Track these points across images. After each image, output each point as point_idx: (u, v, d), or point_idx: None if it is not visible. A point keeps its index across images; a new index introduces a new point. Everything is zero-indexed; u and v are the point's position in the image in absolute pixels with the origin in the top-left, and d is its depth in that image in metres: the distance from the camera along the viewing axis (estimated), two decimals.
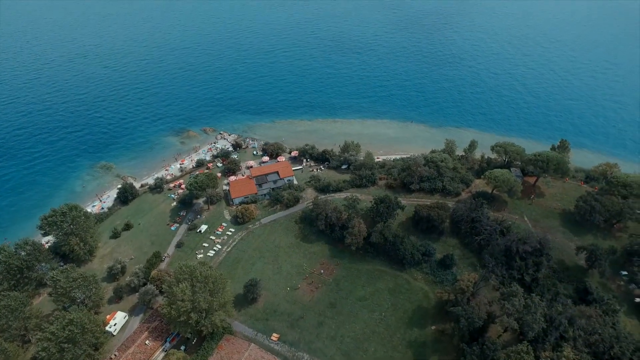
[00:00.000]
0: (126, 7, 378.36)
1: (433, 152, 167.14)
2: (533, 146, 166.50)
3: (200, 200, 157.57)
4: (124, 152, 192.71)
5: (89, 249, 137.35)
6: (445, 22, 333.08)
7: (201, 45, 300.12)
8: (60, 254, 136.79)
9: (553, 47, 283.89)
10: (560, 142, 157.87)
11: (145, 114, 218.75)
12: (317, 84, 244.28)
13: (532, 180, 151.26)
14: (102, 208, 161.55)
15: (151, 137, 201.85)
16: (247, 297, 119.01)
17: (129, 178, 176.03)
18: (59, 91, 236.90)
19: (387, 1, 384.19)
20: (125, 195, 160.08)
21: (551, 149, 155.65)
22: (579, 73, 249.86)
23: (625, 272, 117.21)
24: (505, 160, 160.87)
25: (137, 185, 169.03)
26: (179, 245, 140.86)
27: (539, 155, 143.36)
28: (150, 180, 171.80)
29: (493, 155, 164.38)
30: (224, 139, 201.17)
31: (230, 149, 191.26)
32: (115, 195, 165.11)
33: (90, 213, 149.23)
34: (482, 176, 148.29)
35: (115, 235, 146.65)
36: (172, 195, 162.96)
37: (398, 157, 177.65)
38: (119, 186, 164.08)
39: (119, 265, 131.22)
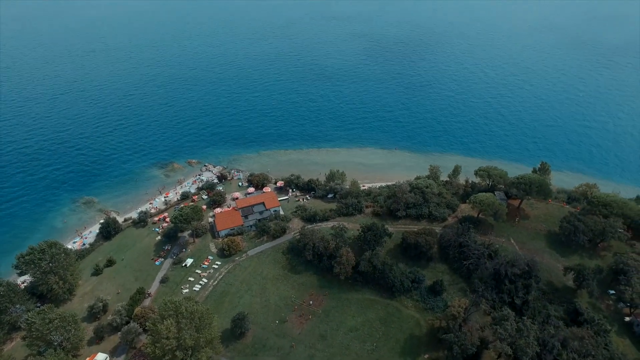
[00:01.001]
0: (110, 44, 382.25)
1: (418, 178, 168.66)
2: (515, 169, 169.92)
3: (186, 234, 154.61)
4: (107, 186, 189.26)
5: (69, 288, 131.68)
6: (423, 51, 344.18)
7: (184, 79, 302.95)
8: (38, 294, 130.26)
9: (525, 75, 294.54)
10: (541, 165, 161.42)
11: (129, 148, 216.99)
12: (301, 114, 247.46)
13: (516, 202, 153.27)
14: (84, 244, 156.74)
15: (135, 170, 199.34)
16: (235, 331, 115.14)
17: (112, 212, 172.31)
18: (41, 128, 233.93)
19: (364, 31, 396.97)
20: (108, 230, 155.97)
21: (533, 172, 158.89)
22: (551, 99, 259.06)
23: (612, 291, 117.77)
24: (489, 184, 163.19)
25: (120, 219, 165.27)
26: (163, 280, 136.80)
27: (521, 178, 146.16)
28: (134, 214, 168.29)
29: (477, 180, 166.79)
30: (209, 170, 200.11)
31: (216, 180, 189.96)
32: (97, 231, 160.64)
33: (71, 250, 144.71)
34: (467, 201, 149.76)
35: (97, 272, 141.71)
36: (157, 229, 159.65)
37: (383, 184, 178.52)
38: (102, 221, 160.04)
39: (100, 304, 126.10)
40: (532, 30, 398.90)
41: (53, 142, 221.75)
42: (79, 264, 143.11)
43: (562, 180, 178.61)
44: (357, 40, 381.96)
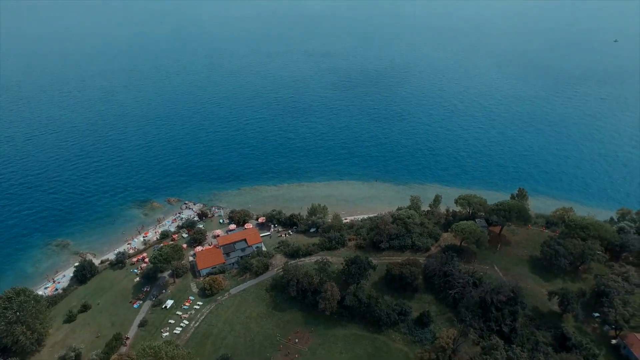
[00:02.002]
0: (88, 84, 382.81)
1: (399, 209, 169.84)
2: (494, 196, 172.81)
3: (165, 274, 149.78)
4: (82, 228, 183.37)
5: (37, 338, 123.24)
6: (398, 85, 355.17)
7: (162, 116, 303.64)
8: (1, 347, 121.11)
9: (496, 107, 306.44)
10: (518, 191, 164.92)
11: (106, 188, 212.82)
12: (280, 150, 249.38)
13: (497, 229, 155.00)
14: (56, 289, 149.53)
15: (112, 211, 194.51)
16: None
17: (88, 254, 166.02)
18: (12, 172, 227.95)
19: (341, 67, 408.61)
20: (83, 274, 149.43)
21: (511, 198, 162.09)
22: (521, 129, 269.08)
23: (597, 314, 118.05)
24: (469, 212, 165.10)
25: (96, 261, 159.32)
26: (142, 323, 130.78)
27: (500, 205, 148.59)
28: (112, 256, 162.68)
29: (458, 208, 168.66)
30: (189, 208, 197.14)
31: (196, 218, 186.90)
32: (71, 274, 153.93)
33: (42, 296, 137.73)
34: (449, 229, 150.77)
35: (70, 318, 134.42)
36: (135, 270, 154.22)
37: (366, 216, 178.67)
38: (76, 264, 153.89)
39: (72, 354, 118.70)
40: (500, 63, 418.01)
41: (25, 185, 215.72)
42: (50, 311, 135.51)
43: (539, 205, 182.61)
44: (334, 75, 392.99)
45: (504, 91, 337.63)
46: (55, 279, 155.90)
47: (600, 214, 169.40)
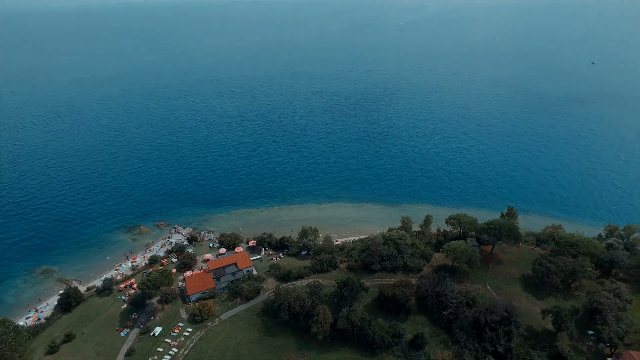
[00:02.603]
0: (76, 109, 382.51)
1: (390, 230, 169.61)
2: (484, 215, 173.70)
3: (154, 300, 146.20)
4: (68, 254, 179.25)
5: None
6: (386, 107, 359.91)
7: (151, 141, 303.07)
8: None
9: (483, 128, 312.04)
10: (507, 210, 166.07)
11: (94, 213, 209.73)
12: (270, 172, 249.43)
13: (488, 248, 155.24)
14: (39, 319, 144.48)
15: (100, 236, 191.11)
16: None
17: (74, 282, 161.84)
18: None
19: (329, 89, 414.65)
20: (68, 302, 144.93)
21: (501, 217, 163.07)
22: (507, 149, 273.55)
23: (591, 332, 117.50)
24: (460, 232, 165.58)
25: (82, 289, 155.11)
26: (129, 352, 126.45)
27: (491, 224, 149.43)
28: (98, 282, 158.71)
29: (448, 228, 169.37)
30: (179, 232, 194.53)
31: (186, 243, 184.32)
32: (55, 303, 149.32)
33: (23, 327, 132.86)
34: (440, 250, 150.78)
35: (52, 349, 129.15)
36: (123, 297, 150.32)
37: (357, 238, 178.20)
38: (61, 292, 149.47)
39: None
40: (484, 86, 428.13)
41: (9, 213, 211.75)
42: (31, 342, 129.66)
43: (529, 223, 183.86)
44: (322, 98, 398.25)
45: (489, 113, 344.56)
46: (37, 308, 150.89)
47: (589, 230, 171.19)
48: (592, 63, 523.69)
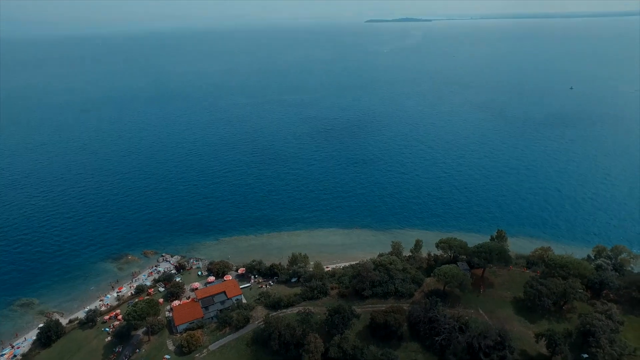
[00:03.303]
0: (63, 136, 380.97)
1: (381, 255, 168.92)
2: (474, 239, 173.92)
3: (140, 331, 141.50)
4: (50, 285, 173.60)
5: None
6: (373, 133, 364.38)
7: (140, 168, 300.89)
8: None
9: (470, 154, 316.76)
10: (497, 232, 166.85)
11: (79, 243, 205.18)
12: (259, 198, 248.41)
13: (479, 272, 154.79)
14: (14, 355, 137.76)
15: (84, 266, 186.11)
16: None
17: (55, 314, 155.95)
18: None
19: (317, 116, 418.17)
20: (48, 336, 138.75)
21: (491, 240, 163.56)
22: (494, 173, 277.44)
23: (585, 355, 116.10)
24: (451, 256, 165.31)
25: (64, 321, 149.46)
26: None
27: (481, 247, 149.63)
28: (81, 314, 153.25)
29: (439, 252, 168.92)
30: (167, 261, 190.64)
31: (173, 271, 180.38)
32: (34, 337, 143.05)
33: None
34: (431, 274, 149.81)
35: None
36: (107, 329, 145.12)
37: (347, 264, 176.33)
38: (41, 325, 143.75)
39: None
40: (469, 111, 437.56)
41: None
42: None
43: (518, 245, 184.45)
44: (311, 124, 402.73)
45: (475, 137, 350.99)
46: (13, 344, 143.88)
47: (577, 251, 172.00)
48: (571, 88, 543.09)
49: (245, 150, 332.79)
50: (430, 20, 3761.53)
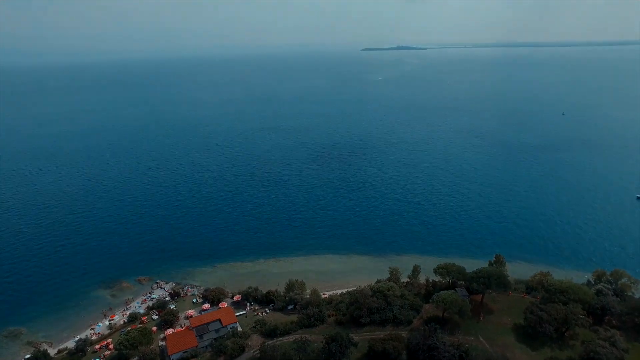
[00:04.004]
0: (59, 161, 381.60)
1: (379, 281, 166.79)
2: (472, 264, 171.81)
3: None
4: (40, 313, 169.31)
5: None
6: (369, 158, 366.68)
7: (135, 193, 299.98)
8: None
9: (466, 179, 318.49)
10: (495, 257, 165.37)
11: (72, 270, 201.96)
12: (255, 224, 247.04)
13: (478, 298, 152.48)
14: None
15: (77, 293, 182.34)
16: None
17: (43, 344, 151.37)
18: None
19: (311, 141, 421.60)
20: None
21: (489, 265, 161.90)
22: (490, 198, 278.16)
23: None
24: (449, 281, 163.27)
25: (52, 351, 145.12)
26: None
27: (479, 272, 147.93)
28: (71, 344, 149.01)
29: (437, 278, 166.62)
30: (161, 288, 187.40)
31: (168, 298, 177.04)
32: None
33: None
34: (430, 300, 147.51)
35: None
36: (97, 359, 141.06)
37: (344, 291, 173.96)
38: (28, 356, 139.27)
39: None
40: (463, 137, 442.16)
41: None
42: None
43: (517, 270, 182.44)
44: (307, 149, 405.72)
45: (471, 163, 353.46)
46: None
47: (576, 276, 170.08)
48: (563, 114, 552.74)
49: (241, 176, 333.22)
50: (425, 49, 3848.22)
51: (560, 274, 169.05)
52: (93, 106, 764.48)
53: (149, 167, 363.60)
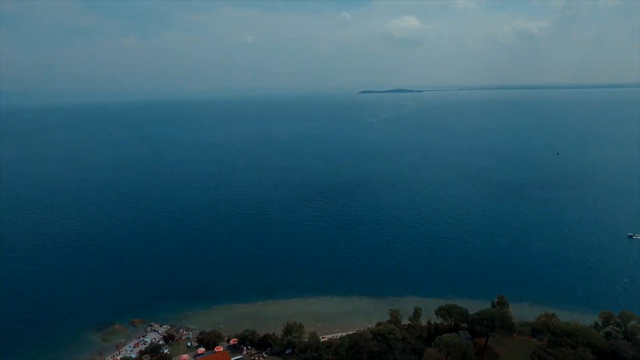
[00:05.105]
0: (56, 200, 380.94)
1: (379, 324, 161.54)
2: (474, 305, 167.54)
3: None
4: (26, 357, 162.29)
5: None
6: (363, 198, 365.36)
7: (130, 232, 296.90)
8: None
9: (465, 215, 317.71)
10: (498, 298, 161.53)
11: (60, 310, 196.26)
12: (253, 265, 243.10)
13: (482, 341, 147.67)
14: None
15: (65, 335, 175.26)
16: None
17: None
18: None
19: (306, 181, 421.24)
20: None
21: (492, 306, 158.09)
22: (493, 235, 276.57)
23: None
24: (452, 324, 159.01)
25: None
26: None
27: (482, 314, 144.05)
28: None
29: (439, 320, 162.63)
30: (155, 331, 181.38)
31: (162, 342, 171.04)
32: None
33: None
34: (432, 344, 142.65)
35: None
36: None
37: (344, 334, 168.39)
38: None
39: None
40: (461, 177, 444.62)
41: None
42: None
43: (521, 311, 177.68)
44: (305, 189, 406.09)
45: (469, 202, 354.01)
46: None
47: (582, 318, 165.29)
48: (557, 154, 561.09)
49: (238, 216, 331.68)
50: (421, 92, 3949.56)
51: (566, 315, 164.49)
52: (95, 146, 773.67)
53: (145, 206, 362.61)
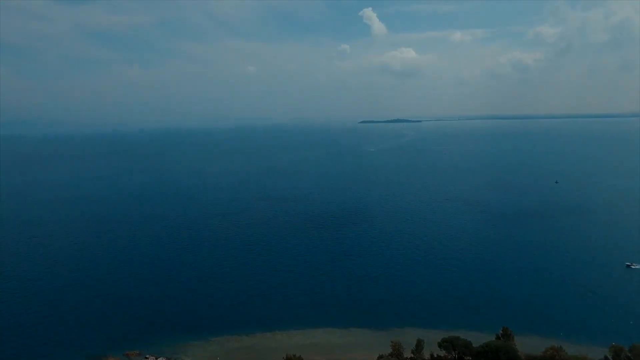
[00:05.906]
0: (49, 229, 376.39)
1: (381, 357, 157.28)
2: (478, 337, 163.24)
3: None
4: None
5: None
6: (361, 226, 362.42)
7: (123, 261, 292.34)
8: None
9: (465, 245, 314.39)
10: (502, 330, 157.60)
11: (53, 343, 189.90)
12: (252, 296, 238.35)
13: None
14: None
15: None
16: None
17: None
18: None
19: (302, 210, 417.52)
20: None
21: (496, 338, 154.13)
22: (494, 266, 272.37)
23: None
24: (455, 357, 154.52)
25: None
26: None
27: (487, 346, 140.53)
28: None
29: (442, 353, 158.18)
30: None
31: None
32: None
33: None
34: None
35: None
36: None
37: None
38: None
39: None
40: (459, 205, 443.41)
41: None
42: None
43: (526, 344, 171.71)
44: (303, 219, 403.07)
45: (470, 232, 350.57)
46: None
47: (591, 351, 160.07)
48: (556, 182, 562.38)
49: (238, 245, 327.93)
50: (420, 122, 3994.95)
51: (573, 349, 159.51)
52: (96, 174, 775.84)
53: (142, 235, 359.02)
